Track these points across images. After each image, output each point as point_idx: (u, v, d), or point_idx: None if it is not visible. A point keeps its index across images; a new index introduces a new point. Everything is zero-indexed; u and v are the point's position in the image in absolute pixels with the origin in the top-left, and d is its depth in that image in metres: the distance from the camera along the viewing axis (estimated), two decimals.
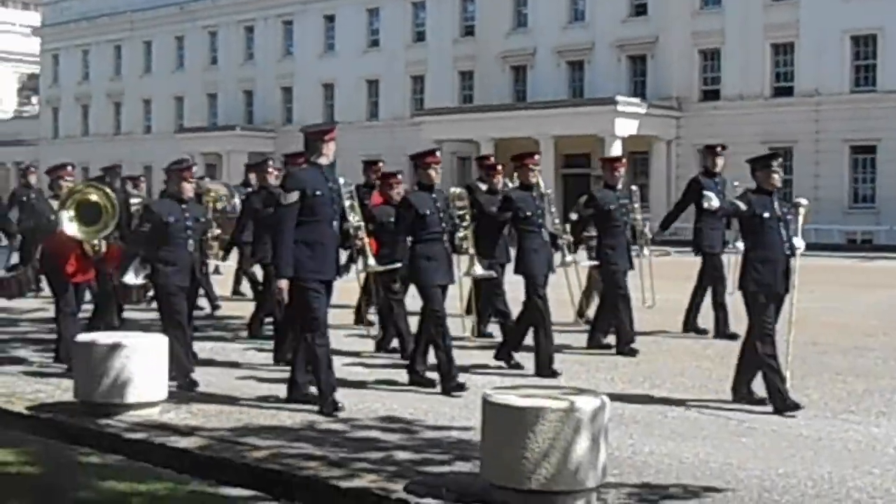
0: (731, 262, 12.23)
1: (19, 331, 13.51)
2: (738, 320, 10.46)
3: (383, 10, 57.29)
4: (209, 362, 10.87)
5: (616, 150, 42.07)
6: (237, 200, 14.50)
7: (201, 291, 13.33)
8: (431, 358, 9.73)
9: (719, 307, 13.05)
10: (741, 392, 9.08)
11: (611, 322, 12.15)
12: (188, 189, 10.04)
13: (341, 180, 9.20)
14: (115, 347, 8.23)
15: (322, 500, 6.47)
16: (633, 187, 14.10)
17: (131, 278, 10.14)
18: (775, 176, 9.11)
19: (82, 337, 8.77)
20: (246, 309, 14.28)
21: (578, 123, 44.70)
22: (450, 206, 10.39)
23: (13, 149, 73.36)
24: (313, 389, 8.75)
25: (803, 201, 9.57)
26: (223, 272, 16.65)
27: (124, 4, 68.67)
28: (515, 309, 11.21)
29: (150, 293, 10.68)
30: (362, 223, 10.43)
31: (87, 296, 11.40)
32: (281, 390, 9.09)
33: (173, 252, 9.67)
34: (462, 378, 9.58)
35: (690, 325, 13.45)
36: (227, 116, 63.21)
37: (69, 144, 67.70)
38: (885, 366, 11.25)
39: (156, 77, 67.49)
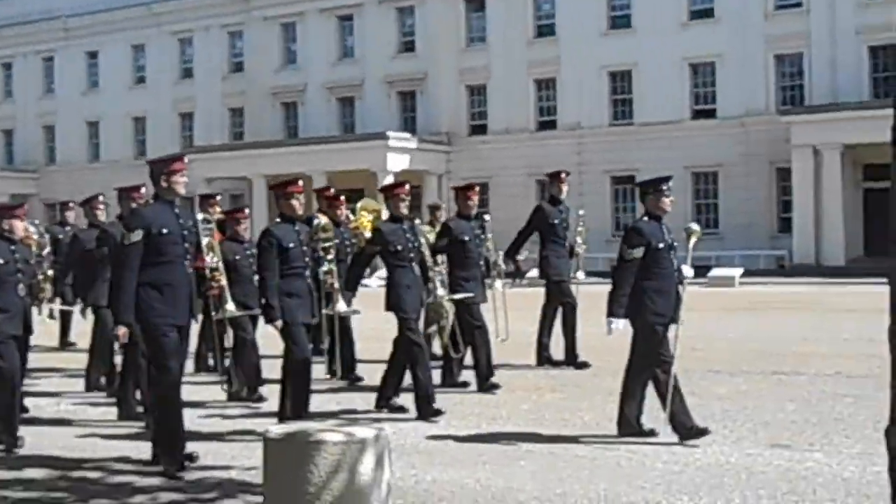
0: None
1: None
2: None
3: (149, 46, 56.20)
4: None
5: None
6: (46, 239, 13.50)
7: None
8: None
9: (571, 332, 12.91)
10: (675, 422, 8.51)
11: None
12: (19, 228, 9.10)
13: (199, 216, 8.75)
14: None
15: None
16: (486, 216, 13.27)
17: None
18: (666, 200, 8.66)
19: None
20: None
21: (351, 159, 44.93)
22: (313, 239, 9.92)
23: None
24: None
25: (695, 227, 9.06)
26: (56, 317, 15.46)
27: None
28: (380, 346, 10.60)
29: None
30: (221, 263, 9.88)
31: None
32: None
33: (2, 297, 8.79)
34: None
35: (544, 358, 13.06)
36: None
37: None
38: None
39: None
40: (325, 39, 51.08)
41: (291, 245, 9.07)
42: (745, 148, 42.42)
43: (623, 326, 8.49)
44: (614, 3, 45.38)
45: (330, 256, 10.57)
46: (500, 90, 47.04)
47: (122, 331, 7.94)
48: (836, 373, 12.13)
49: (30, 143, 60.06)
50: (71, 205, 16.80)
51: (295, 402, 9.04)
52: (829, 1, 41.03)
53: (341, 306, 10.59)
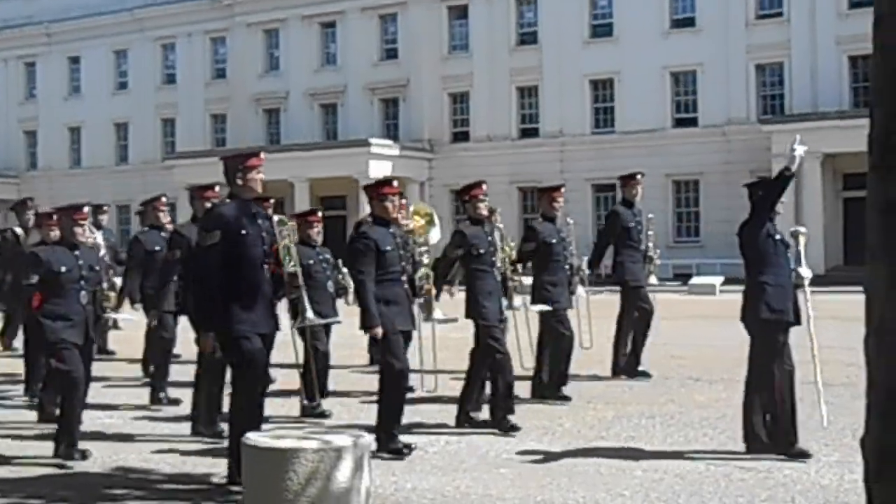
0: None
1: None
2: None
3: (131, 52, 56.02)
4: None
5: None
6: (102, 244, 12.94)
7: None
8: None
9: (641, 340, 12.54)
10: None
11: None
12: (80, 233, 8.67)
13: (276, 218, 8.40)
14: None
15: None
16: (570, 220, 12.89)
17: None
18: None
19: None
20: None
21: (333, 165, 44.90)
22: (409, 244, 9.30)
23: None
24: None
25: (802, 229, 9.01)
26: (122, 326, 15.30)
27: None
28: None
29: None
30: (299, 268, 9.25)
31: None
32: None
33: (64, 305, 8.44)
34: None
35: (620, 368, 12.62)
36: None
37: None
38: (631, 393, 11.74)
39: None
40: (307, 46, 51.06)
41: (389, 248, 8.40)
42: (726, 156, 42.60)
43: None
44: (596, 12, 45.55)
45: (426, 260, 10.02)
46: (483, 98, 47.12)
47: (207, 341, 7.37)
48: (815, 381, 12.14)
49: (11, 148, 59.75)
50: (105, 208, 16.52)
51: (388, 417, 8.42)
52: (810, 11, 41.30)
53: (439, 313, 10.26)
